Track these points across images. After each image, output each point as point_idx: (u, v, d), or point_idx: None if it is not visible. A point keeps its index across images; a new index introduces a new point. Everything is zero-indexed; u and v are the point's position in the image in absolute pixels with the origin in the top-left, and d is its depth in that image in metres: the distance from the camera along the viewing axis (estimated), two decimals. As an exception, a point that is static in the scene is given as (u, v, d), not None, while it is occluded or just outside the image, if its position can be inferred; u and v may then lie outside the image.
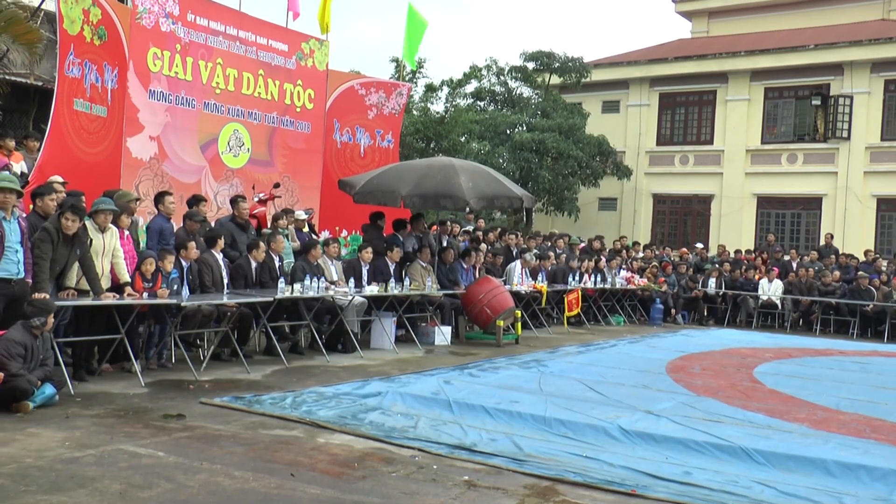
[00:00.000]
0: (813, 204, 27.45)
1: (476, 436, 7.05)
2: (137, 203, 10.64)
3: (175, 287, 9.68)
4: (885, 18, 29.43)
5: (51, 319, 7.59)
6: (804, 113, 27.87)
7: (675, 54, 30.41)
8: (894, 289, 18.84)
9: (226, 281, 10.65)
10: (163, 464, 5.83)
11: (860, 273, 19.43)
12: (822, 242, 24.09)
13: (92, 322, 8.86)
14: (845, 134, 26.72)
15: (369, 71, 20.41)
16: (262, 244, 11.25)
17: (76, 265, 8.64)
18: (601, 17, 73.76)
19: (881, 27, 28.13)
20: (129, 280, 9.14)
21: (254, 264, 11.18)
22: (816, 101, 27.12)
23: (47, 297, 7.81)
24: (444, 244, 15.08)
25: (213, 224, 12.21)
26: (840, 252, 22.16)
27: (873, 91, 26.60)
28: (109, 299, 8.61)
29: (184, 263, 10.09)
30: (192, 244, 10.21)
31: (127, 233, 9.61)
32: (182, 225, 10.84)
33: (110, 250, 9.05)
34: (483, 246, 16.60)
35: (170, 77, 12.96)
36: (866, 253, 21.83)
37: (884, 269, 20.38)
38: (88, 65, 11.53)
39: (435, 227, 15.77)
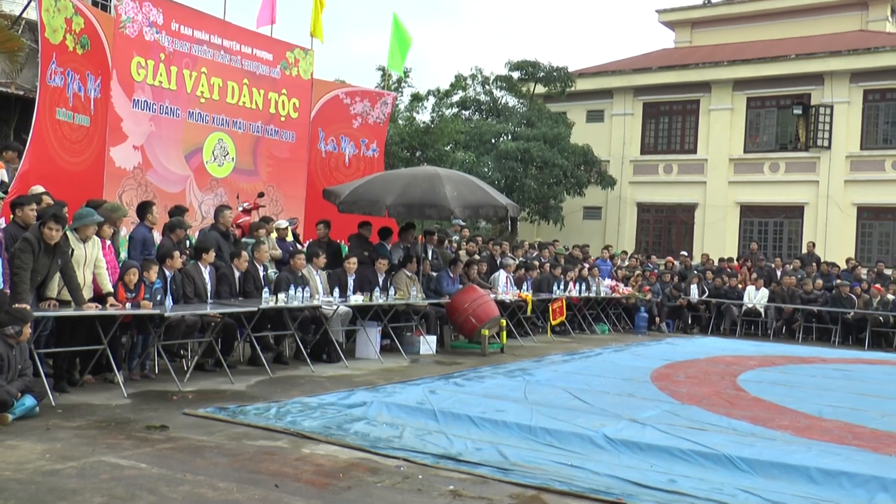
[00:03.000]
0: (795, 212, 27.56)
1: (461, 445, 7.02)
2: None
3: (158, 297, 9.61)
4: (864, 29, 29.68)
5: (27, 330, 7.48)
6: (786, 122, 28.01)
7: (658, 64, 30.52)
8: (874, 296, 18.93)
9: (209, 291, 10.58)
10: (145, 476, 5.76)
11: (841, 281, 19.50)
12: (805, 251, 24.18)
13: (74, 333, 8.78)
14: (826, 143, 26.85)
15: (357, 82, 20.37)
16: (244, 253, 11.18)
17: (57, 275, 8.56)
18: (586, 26, 74.12)
19: (860, 38, 28.36)
20: (112, 290, 9.06)
21: (237, 274, 11.12)
22: (798, 111, 27.25)
23: (27, 307, 7.73)
24: (430, 254, 15.04)
25: (197, 233, 12.16)
26: (822, 260, 22.24)
27: (853, 101, 26.77)
28: (92, 310, 8.54)
29: (167, 273, 10.02)
30: (177, 253, 10.14)
31: (108, 243, 9.53)
32: (164, 235, 10.77)
33: (92, 260, 8.98)
34: (462, 253, 16.58)
35: (154, 86, 12.90)
36: (847, 261, 21.94)
37: (864, 276, 20.50)
38: (71, 74, 11.46)
39: (421, 237, 15.74)
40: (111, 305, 8.81)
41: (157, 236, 11.05)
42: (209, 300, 10.45)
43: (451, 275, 14.84)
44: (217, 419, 7.67)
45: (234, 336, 10.79)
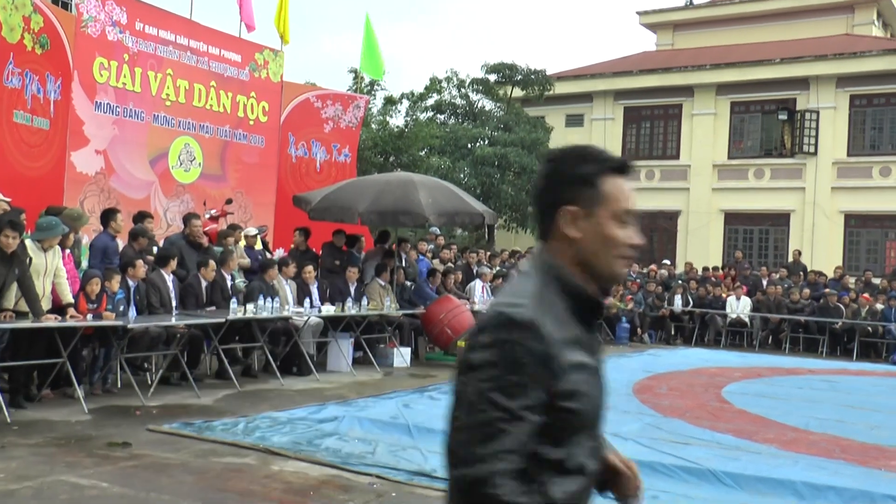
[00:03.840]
0: (781, 220, 27.76)
1: (437, 461, 7.00)
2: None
3: (121, 308, 9.54)
4: (850, 33, 29.99)
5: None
6: (771, 127, 28.23)
7: (639, 67, 30.71)
8: (862, 306, 19.09)
9: (174, 302, 10.52)
10: (107, 495, 5.71)
11: (828, 290, 19.65)
12: (791, 259, 24.34)
13: (31, 345, 8.69)
14: (812, 149, 27.07)
15: (329, 85, 20.35)
16: (212, 262, 11.12)
17: (14, 285, 8.47)
18: (564, 29, 74.48)
19: (846, 42, 28.64)
20: (73, 301, 8.99)
21: (204, 283, 11.06)
22: (783, 116, 27.48)
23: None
24: (405, 263, 15.04)
25: (162, 242, 12.08)
26: (808, 269, 22.40)
27: (839, 106, 27.03)
28: (51, 321, 8.46)
29: (130, 283, 9.96)
30: (140, 263, 10.08)
31: (68, 251, 9.45)
32: (128, 243, 10.71)
33: (52, 270, 8.90)
34: (436, 262, 16.59)
35: (117, 88, 12.83)
36: (835, 270, 22.11)
37: (852, 286, 20.65)
38: (29, 75, 11.38)
39: (394, 245, 15.72)
40: (71, 317, 8.74)
41: (121, 244, 10.97)
42: (174, 311, 10.39)
43: (431, 285, 14.84)
44: (183, 435, 7.63)
45: (201, 348, 10.73)
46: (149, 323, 9.57)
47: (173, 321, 9.83)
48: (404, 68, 66.14)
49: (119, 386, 9.95)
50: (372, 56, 17.72)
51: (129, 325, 9.11)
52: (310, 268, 12.81)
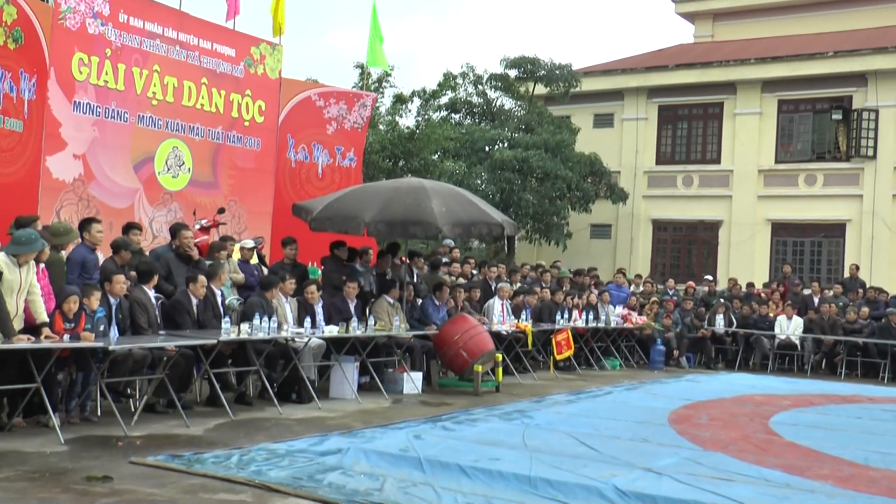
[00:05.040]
0: (835, 231, 27.64)
1: (451, 499, 6.99)
2: None
3: (102, 328, 9.56)
4: (913, 22, 29.85)
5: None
6: (823, 128, 28.12)
7: (675, 62, 30.68)
8: (928, 327, 18.96)
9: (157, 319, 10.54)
10: (84, 534, 5.72)
11: (890, 309, 19.53)
12: (847, 274, 24.21)
13: (2, 369, 8.71)
14: (870, 152, 26.95)
15: (333, 82, 20.40)
16: (201, 277, 11.14)
17: (-16, 303, 8.51)
18: (592, 19, 74.51)
19: (908, 32, 28.52)
20: (48, 320, 9.01)
21: (194, 301, 11.09)
22: (837, 116, 27.37)
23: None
24: (416, 279, 15.05)
25: (148, 254, 12.12)
26: (867, 285, 22.28)
27: (901, 103, 26.90)
28: (23, 342, 8.49)
29: (112, 301, 9.98)
30: (120, 277, 10.09)
31: (42, 266, 9.48)
32: (109, 256, 10.75)
33: (26, 286, 8.94)
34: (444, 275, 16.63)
35: (98, 86, 12.92)
36: (897, 286, 22.01)
37: (917, 303, 20.51)
38: (1, 72, 11.48)
39: (404, 258, 15.76)
40: (46, 338, 8.76)
41: (102, 257, 11.01)
42: (161, 331, 10.41)
43: (437, 301, 14.83)
44: (170, 468, 7.62)
45: (190, 372, 10.74)
46: (132, 344, 9.58)
47: (159, 342, 9.85)
48: (417, 63, 66.33)
49: (99, 414, 9.96)
50: (379, 49, 17.78)
51: (111, 347, 9.12)
52: (313, 287, 12.81)
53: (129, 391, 10.57)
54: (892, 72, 26.81)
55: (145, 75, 13.61)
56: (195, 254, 12.22)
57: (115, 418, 9.35)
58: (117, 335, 9.64)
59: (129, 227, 11.45)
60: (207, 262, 12.05)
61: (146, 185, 13.67)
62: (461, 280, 16.90)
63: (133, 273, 10.83)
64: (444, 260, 18.46)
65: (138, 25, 13.51)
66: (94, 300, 9.59)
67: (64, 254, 10.70)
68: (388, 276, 14.45)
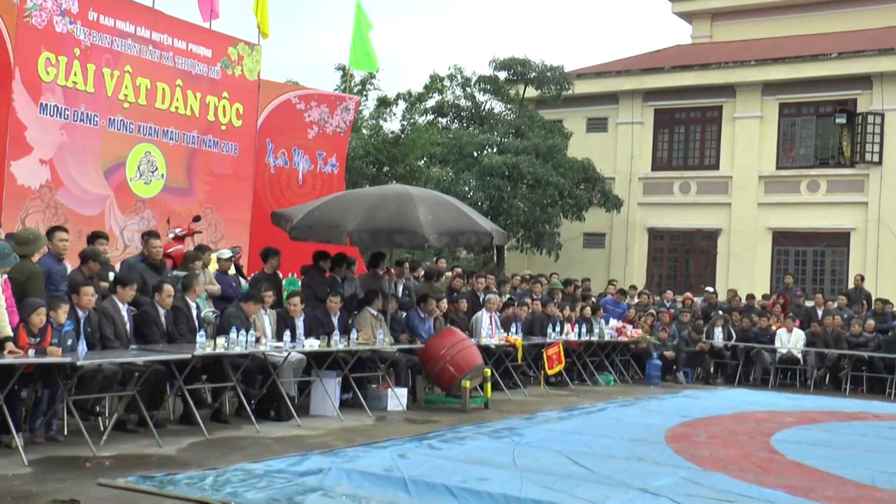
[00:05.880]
0: (839, 240, 27.72)
1: (437, 521, 6.97)
2: None
3: (69, 342, 9.52)
4: (920, 23, 30.00)
5: None
6: (827, 133, 28.22)
7: (672, 63, 30.77)
8: (937, 340, 19.01)
9: (129, 333, 10.48)
10: (49, 560, 5.68)
11: (898, 321, 19.60)
12: (852, 285, 24.27)
13: (-37, 386, 8.68)
14: (876, 157, 27.06)
15: (315, 84, 20.37)
16: (167, 287, 11.06)
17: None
18: (585, 19, 74.77)
19: (914, 33, 28.66)
20: (11, 334, 8.96)
21: (162, 312, 11.03)
22: (841, 119, 27.43)
23: None
24: (400, 290, 15.03)
25: (119, 265, 12.08)
26: (873, 297, 22.32)
27: (907, 107, 27.03)
28: (-14, 358, 8.45)
29: (80, 314, 9.94)
30: (88, 289, 10.04)
31: (4, 276, 9.43)
32: (77, 267, 10.71)
33: (-9, 299, 8.90)
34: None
35: (66, 88, 12.88)
36: (904, 297, 22.05)
37: (925, 316, 20.56)
38: (-38, 73, 11.44)
39: (392, 269, 15.72)
40: (9, 353, 8.71)
41: (70, 268, 10.97)
42: (132, 345, 10.37)
43: (421, 313, 14.81)
44: (140, 491, 7.58)
45: (163, 389, 10.70)
46: (102, 359, 9.54)
47: (130, 357, 9.80)
48: (403, 66, 66.46)
49: (66, 433, 9.91)
50: (363, 48, 17.77)
51: (79, 362, 9.07)
52: (296, 299, 12.78)
53: (97, 409, 10.52)
54: (898, 74, 26.91)
55: (116, 76, 13.57)
56: (168, 262, 12.19)
57: (83, 438, 9.28)
58: (86, 350, 9.58)
59: (95, 237, 11.41)
60: (182, 273, 12.02)
61: (117, 192, 13.63)
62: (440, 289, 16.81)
63: (104, 284, 10.80)
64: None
65: (109, 24, 13.47)
66: (62, 313, 9.54)
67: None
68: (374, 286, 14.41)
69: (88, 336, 9.95)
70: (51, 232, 10.77)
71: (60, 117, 12.84)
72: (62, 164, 12.84)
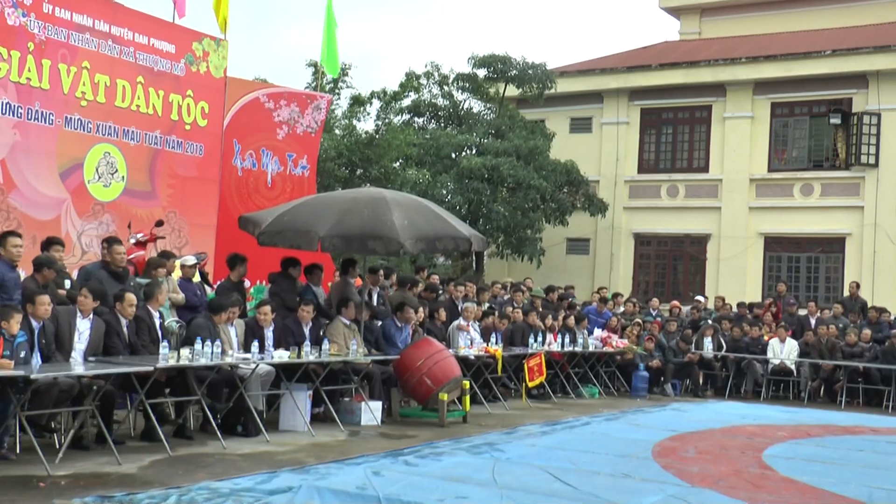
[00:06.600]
0: (834, 246, 27.86)
1: (412, 542, 6.95)
2: None
3: (23, 354, 9.45)
4: (917, 19, 30.19)
5: None
6: (821, 134, 28.37)
7: (660, 61, 30.89)
8: (935, 350, 19.09)
9: (83, 346, 10.40)
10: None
11: (894, 331, 19.66)
12: (847, 293, 24.36)
13: None
14: (872, 160, 27.21)
15: (285, 82, 20.36)
16: (129, 295, 11.00)
17: None
18: (568, 14, 74.96)
19: (912, 29, 28.84)
20: (-39, 346, 8.91)
21: (124, 322, 10.97)
22: (836, 120, 27.59)
23: None
24: (375, 299, 15.01)
25: (76, 272, 12.01)
26: (869, 305, 22.42)
27: (904, 107, 27.19)
28: (-66, 371, 8.38)
29: (34, 324, 9.86)
30: (45, 298, 9.98)
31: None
32: (31, 274, 10.64)
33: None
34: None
35: (19, 84, 12.80)
36: (901, 306, 22.18)
37: (924, 325, 20.65)
38: None
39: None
40: (-40, 365, 8.66)
41: (24, 276, 10.91)
42: (90, 357, 10.30)
43: (398, 322, 14.79)
44: (98, 511, 7.54)
45: (123, 403, 10.63)
46: (57, 372, 9.47)
47: (84, 370, 9.73)
48: (377, 62, 66.46)
49: (18, 451, 9.82)
50: (329, 47, 17.79)
51: (33, 376, 9.01)
52: (267, 308, 12.74)
53: (52, 425, 10.45)
54: (895, 72, 27.07)
55: (73, 72, 13.50)
56: (130, 269, 12.13)
57: (37, 455, 9.22)
58: (40, 362, 9.52)
59: (50, 243, 11.36)
60: (144, 281, 11.97)
61: (74, 195, 13.55)
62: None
63: (61, 292, 10.73)
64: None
65: (65, 17, 13.40)
66: (14, 323, 9.46)
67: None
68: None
69: (43, 348, 9.88)
70: (3, 237, 10.70)
71: (13, 115, 12.75)
72: (15, 165, 12.76)
